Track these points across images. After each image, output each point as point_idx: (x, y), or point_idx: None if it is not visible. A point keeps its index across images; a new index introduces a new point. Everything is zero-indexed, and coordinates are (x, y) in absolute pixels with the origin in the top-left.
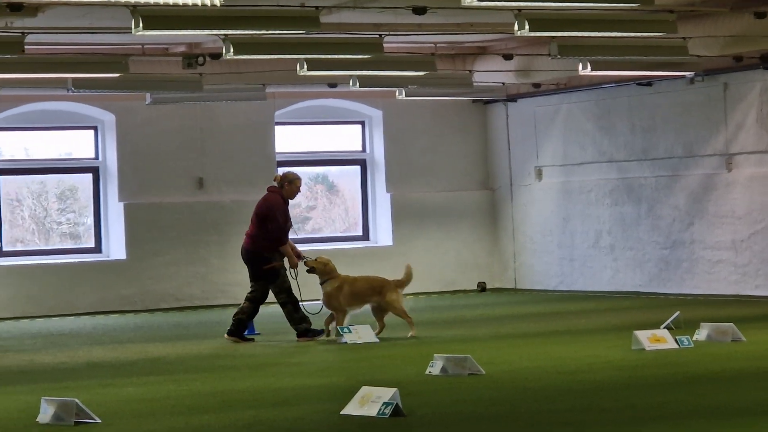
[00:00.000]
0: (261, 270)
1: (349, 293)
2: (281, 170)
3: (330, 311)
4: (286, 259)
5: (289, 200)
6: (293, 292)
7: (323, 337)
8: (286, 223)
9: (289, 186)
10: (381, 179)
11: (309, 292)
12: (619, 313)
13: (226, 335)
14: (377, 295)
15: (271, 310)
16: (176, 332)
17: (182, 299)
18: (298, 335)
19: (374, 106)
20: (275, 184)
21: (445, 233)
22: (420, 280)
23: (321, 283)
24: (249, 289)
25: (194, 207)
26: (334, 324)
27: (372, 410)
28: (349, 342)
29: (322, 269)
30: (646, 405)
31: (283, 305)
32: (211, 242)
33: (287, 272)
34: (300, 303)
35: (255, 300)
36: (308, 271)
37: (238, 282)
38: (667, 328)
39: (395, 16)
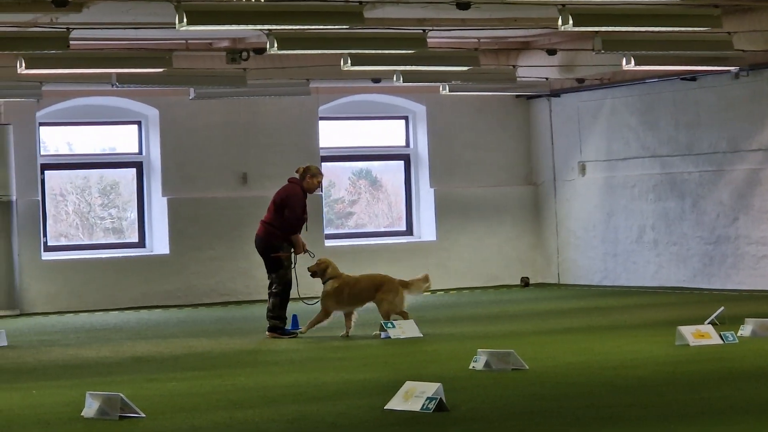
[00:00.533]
0: (269, 258)
1: (349, 295)
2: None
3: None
4: (293, 253)
5: (308, 194)
6: (290, 290)
7: (294, 338)
8: (303, 214)
9: (310, 179)
10: (425, 174)
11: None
12: (662, 309)
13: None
14: (377, 292)
15: (315, 307)
16: (219, 327)
17: (225, 294)
18: (269, 329)
19: (418, 101)
20: (296, 175)
21: (488, 228)
22: (463, 276)
23: (323, 282)
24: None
25: (238, 202)
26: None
27: (416, 405)
28: (392, 337)
29: (321, 271)
30: (690, 401)
31: (274, 295)
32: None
33: (292, 267)
34: (289, 301)
35: (275, 294)
36: (312, 276)
37: None
38: (712, 323)
39: (439, 11)
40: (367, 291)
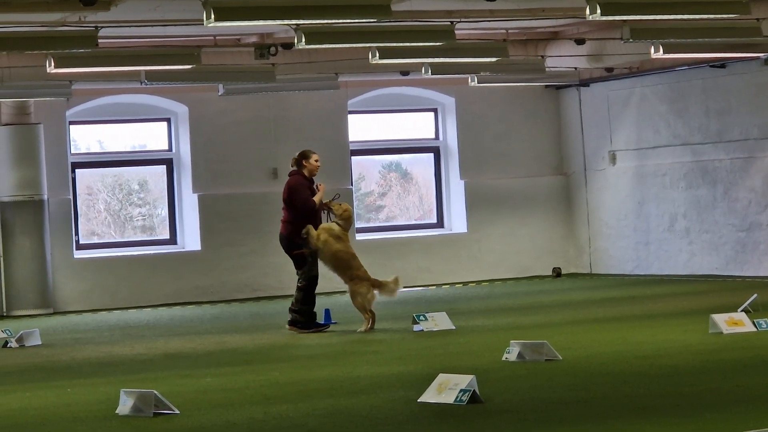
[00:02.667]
0: (292, 255)
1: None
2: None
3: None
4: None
5: (312, 177)
6: (315, 285)
7: (318, 332)
8: (312, 195)
9: (307, 163)
10: (454, 166)
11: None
12: (695, 297)
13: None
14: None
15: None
16: (252, 322)
17: (258, 289)
18: (289, 323)
19: (447, 93)
20: (293, 167)
21: (519, 219)
22: (495, 267)
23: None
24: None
25: (268, 197)
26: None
27: (449, 397)
28: (425, 329)
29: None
30: (724, 389)
31: (298, 290)
32: None
33: (317, 262)
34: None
35: (301, 288)
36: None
37: None
38: (745, 311)
39: (466, 3)
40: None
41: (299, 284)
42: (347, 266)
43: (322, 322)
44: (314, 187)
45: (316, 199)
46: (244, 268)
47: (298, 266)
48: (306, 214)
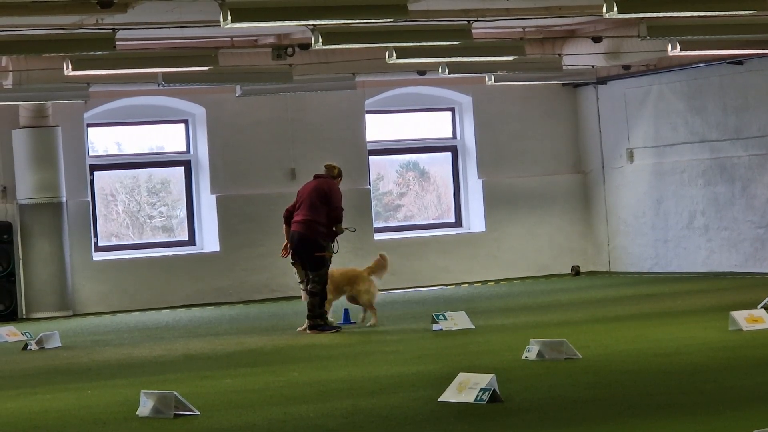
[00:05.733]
0: (313, 256)
1: (332, 286)
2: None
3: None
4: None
5: None
6: (325, 288)
7: (337, 332)
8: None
9: (339, 180)
10: (472, 165)
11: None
12: (714, 294)
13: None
14: (350, 285)
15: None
16: (272, 323)
17: (277, 290)
18: (310, 327)
19: (464, 92)
20: (324, 173)
21: (537, 218)
22: (514, 265)
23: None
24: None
25: (287, 197)
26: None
27: (469, 397)
28: (444, 329)
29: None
30: (745, 386)
31: (312, 294)
32: None
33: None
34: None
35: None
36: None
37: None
38: (765, 308)
39: (483, 2)
40: (341, 283)
41: (311, 289)
42: (353, 282)
43: (339, 323)
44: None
45: (341, 227)
46: (262, 269)
47: (314, 268)
48: (335, 218)
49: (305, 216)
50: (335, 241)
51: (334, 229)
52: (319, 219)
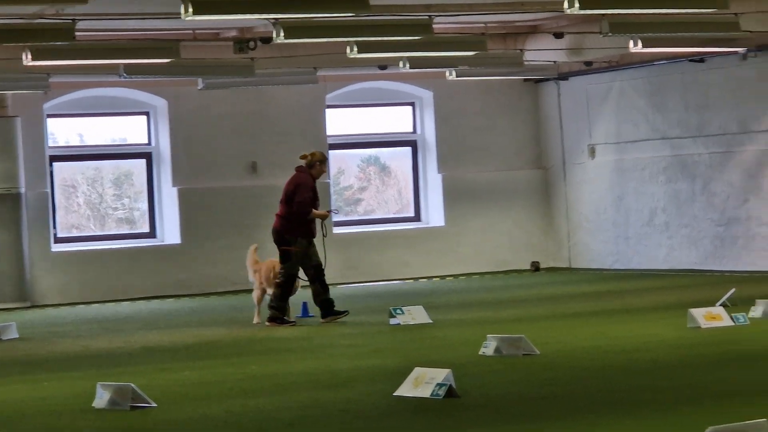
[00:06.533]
0: (280, 251)
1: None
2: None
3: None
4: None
5: (316, 179)
6: (293, 283)
7: (293, 326)
8: (315, 200)
9: (320, 166)
10: (432, 160)
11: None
12: (674, 291)
13: (323, 319)
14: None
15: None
16: (231, 316)
17: (237, 283)
18: (268, 319)
19: (425, 87)
20: (303, 163)
21: (497, 213)
22: (473, 260)
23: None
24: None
25: (248, 191)
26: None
27: (425, 391)
28: (401, 323)
29: None
30: (702, 383)
31: (277, 285)
32: (266, 226)
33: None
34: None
35: (312, 280)
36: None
37: None
38: (723, 305)
39: None
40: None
41: (277, 280)
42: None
43: (340, 310)
44: (330, 211)
45: (317, 213)
46: (223, 262)
47: (282, 262)
48: (298, 212)
49: (278, 212)
50: (323, 227)
51: (308, 219)
52: (288, 215)
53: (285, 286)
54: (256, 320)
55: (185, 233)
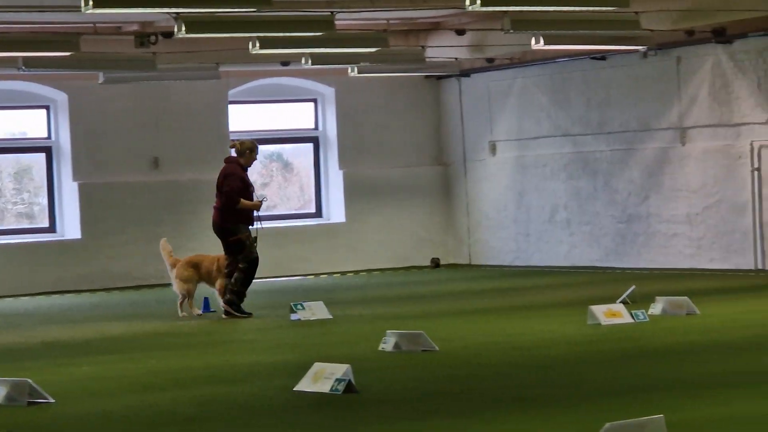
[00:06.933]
0: (228, 242)
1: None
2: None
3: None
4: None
5: (247, 167)
6: (256, 267)
7: (249, 317)
8: (247, 188)
9: (249, 154)
10: (334, 156)
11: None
12: (575, 288)
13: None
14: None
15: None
16: (132, 311)
17: (138, 278)
18: (225, 302)
19: (327, 84)
20: (233, 152)
21: (398, 209)
22: (373, 257)
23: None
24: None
25: (149, 186)
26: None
27: (325, 387)
28: (302, 318)
29: None
30: (600, 379)
31: (239, 270)
32: (168, 221)
33: (254, 244)
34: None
35: (231, 274)
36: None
37: None
38: (623, 302)
39: None
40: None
41: (240, 266)
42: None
43: (246, 311)
44: (256, 197)
45: (247, 203)
46: (124, 257)
47: (234, 253)
48: (227, 202)
49: (215, 204)
50: (258, 217)
51: (241, 209)
52: (221, 205)
53: (248, 272)
54: (182, 313)
55: (86, 228)
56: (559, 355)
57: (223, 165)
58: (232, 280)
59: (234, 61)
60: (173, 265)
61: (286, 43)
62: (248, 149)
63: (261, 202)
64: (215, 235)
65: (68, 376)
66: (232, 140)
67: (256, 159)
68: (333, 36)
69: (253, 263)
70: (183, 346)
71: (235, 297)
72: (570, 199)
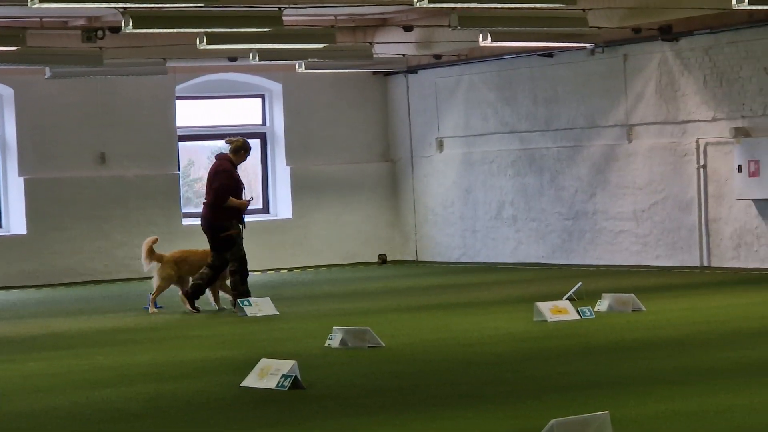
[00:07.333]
0: (218, 238)
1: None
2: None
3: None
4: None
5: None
6: (246, 264)
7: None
8: (238, 186)
9: (243, 154)
10: (281, 152)
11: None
12: (521, 285)
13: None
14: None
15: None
16: (78, 307)
17: (84, 274)
18: (231, 298)
19: (274, 80)
20: (228, 148)
21: (345, 206)
22: (320, 253)
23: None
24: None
25: (96, 182)
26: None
27: (271, 383)
28: (248, 314)
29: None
30: (546, 376)
31: (232, 274)
32: (114, 217)
33: (242, 241)
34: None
35: (215, 268)
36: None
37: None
38: (569, 299)
39: None
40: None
41: (231, 268)
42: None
43: (197, 307)
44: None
45: (235, 202)
46: (71, 253)
47: (221, 249)
48: (219, 200)
49: (204, 201)
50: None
51: (230, 206)
52: (213, 202)
53: (242, 271)
54: (152, 310)
55: (32, 223)
56: (506, 352)
57: (214, 161)
58: (230, 284)
59: (181, 57)
60: (159, 260)
61: (233, 38)
62: (244, 149)
63: (248, 201)
64: (203, 231)
65: (13, 372)
66: (228, 138)
67: (245, 160)
68: (280, 32)
69: (242, 261)
70: (129, 342)
71: (243, 296)
72: (517, 195)
